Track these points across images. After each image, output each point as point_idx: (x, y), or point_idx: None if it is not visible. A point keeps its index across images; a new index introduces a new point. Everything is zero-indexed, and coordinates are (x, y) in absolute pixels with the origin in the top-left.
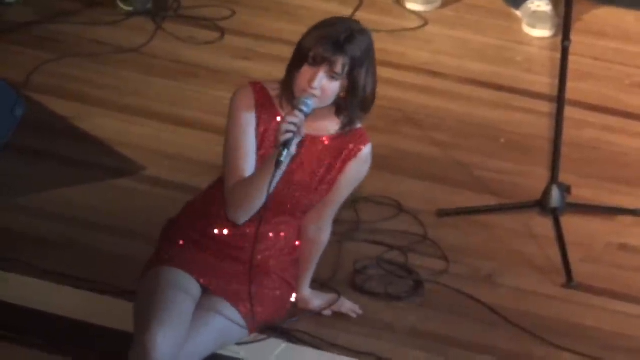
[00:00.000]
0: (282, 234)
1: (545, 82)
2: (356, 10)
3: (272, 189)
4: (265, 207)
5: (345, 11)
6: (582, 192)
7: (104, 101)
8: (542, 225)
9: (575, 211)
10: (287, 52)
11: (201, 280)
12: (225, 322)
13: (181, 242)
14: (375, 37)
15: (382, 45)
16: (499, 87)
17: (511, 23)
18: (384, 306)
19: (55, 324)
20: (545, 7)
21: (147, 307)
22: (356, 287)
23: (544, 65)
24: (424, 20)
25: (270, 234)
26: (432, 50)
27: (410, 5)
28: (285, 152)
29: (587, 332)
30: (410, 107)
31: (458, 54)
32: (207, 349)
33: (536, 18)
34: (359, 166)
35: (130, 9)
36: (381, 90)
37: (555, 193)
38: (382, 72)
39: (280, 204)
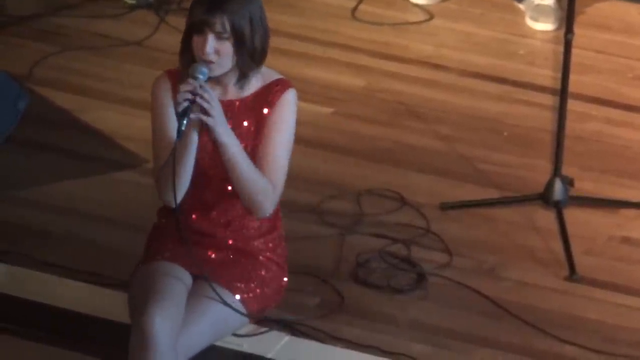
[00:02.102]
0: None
1: (548, 75)
2: (359, 3)
3: (185, 159)
4: (192, 182)
5: (348, 4)
6: (585, 185)
7: (107, 94)
8: (545, 218)
9: (578, 204)
10: (289, 44)
11: (192, 270)
12: (222, 308)
13: (166, 240)
14: (378, 30)
15: (385, 38)
16: (502, 80)
17: (514, 16)
18: (387, 299)
19: (56, 316)
20: (549, 1)
21: (142, 293)
22: (359, 280)
23: (547, 58)
24: (429, 14)
25: (235, 214)
26: (435, 43)
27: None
28: (185, 121)
29: (589, 325)
30: (413, 100)
31: (461, 47)
32: (205, 339)
33: (539, 11)
34: (281, 111)
35: (133, 2)
36: (384, 84)
37: (558, 186)
38: (386, 65)
39: (221, 180)
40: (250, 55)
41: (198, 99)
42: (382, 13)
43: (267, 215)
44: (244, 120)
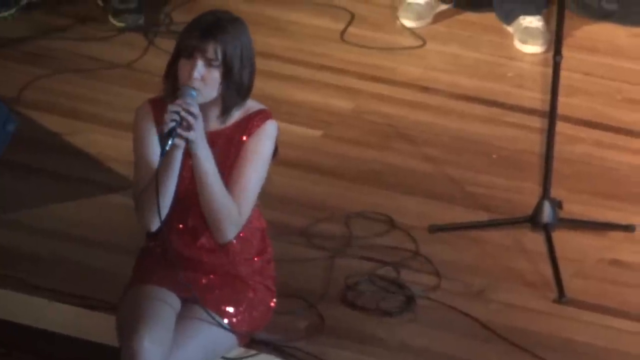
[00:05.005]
0: (234, 240)
1: (537, 98)
2: (348, 25)
3: (167, 180)
4: (178, 207)
5: (337, 26)
6: (574, 208)
7: (96, 116)
8: (534, 240)
9: (567, 227)
10: (278, 67)
11: (180, 294)
12: (211, 331)
13: (154, 263)
14: (367, 52)
15: (374, 60)
16: (491, 103)
17: (503, 39)
18: (376, 322)
19: (45, 339)
20: (537, 23)
21: (130, 316)
22: (348, 302)
23: (535, 80)
24: (418, 38)
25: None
26: (424, 65)
27: (403, 21)
28: (170, 141)
29: (578, 348)
30: (402, 122)
31: (450, 69)
32: None
33: (528, 34)
34: (258, 140)
35: (122, 24)
36: (373, 106)
37: (546, 208)
38: (374, 87)
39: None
40: (236, 88)
41: (183, 113)
42: (370, 36)
43: (228, 240)
44: (223, 152)
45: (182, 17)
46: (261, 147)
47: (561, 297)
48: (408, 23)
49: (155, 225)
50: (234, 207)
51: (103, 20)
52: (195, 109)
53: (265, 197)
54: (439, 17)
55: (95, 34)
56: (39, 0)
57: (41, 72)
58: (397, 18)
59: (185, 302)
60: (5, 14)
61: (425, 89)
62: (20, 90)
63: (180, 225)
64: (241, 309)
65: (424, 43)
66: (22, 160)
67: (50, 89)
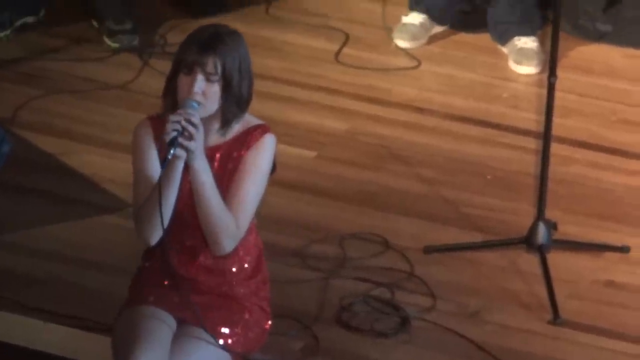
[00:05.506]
0: (231, 260)
1: (531, 119)
2: (343, 46)
3: (168, 192)
4: (175, 226)
5: (332, 47)
6: (569, 229)
7: (91, 137)
8: (529, 261)
9: (562, 248)
10: (273, 87)
11: (176, 314)
12: (207, 351)
13: (150, 284)
14: (362, 73)
15: (369, 81)
16: (486, 124)
17: (498, 60)
18: (371, 343)
19: None
20: (532, 44)
21: (126, 336)
22: (342, 323)
23: (530, 101)
24: (413, 59)
25: (219, 258)
26: (419, 86)
27: (398, 42)
28: (171, 151)
29: None
30: (396, 143)
31: (445, 90)
32: None
33: (522, 54)
34: (256, 154)
35: (116, 45)
36: (368, 127)
37: (541, 230)
38: (369, 108)
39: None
40: (236, 101)
41: (183, 122)
42: (365, 56)
43: (225, 253)
44: (222, 166)
45: (176, 38)
46: (260, 160)
47: (556, 318)
48: (403, 44)
49: (155, 238)
50: (232, 220)
51: (98, 41)
52: (196, 119)
53: (260, 217)
54: (433, 38)
55: (90, 55)
56: (34, 21)
57: (36, 93)
58: (391, 39)
59: (181, 322)
60: (0, 34)
61: (420, 110)
62: (15, 110)
63: (178, 244)
64: (237, 330)
65: (419, 64)
66: (16, 181)
67: (45, 110)
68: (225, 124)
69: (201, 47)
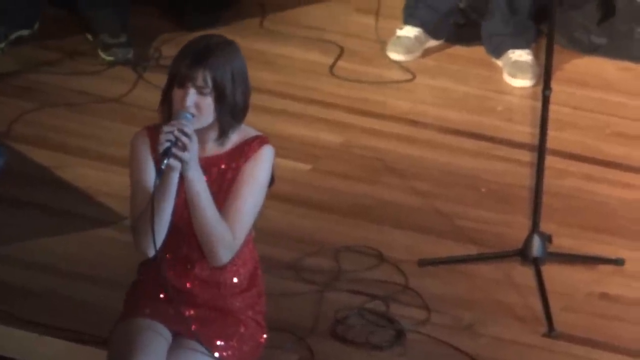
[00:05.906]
0: (226, 273)
1: (526, 132)
2: (337, 59)
3: (163, 203)
4: (170, 238)
5: (326, 60)
6: (563, 241)
7: (85, 151)
8: (523, 274)
9: (557, 260)
10: (268, 101)
11: (172, 327)
12: None
13: (145, 297)
14: (356, 86)
15: (363, 94)
16: (480, 137)
17: (492, 72)
18: (366, 356)
19: None
20: (526, 57)
21: (122, 349)
22: (337, 336)
23: (524, 114)
24: (408, 72)
25: (214, 270)
26: (413, 99)
27: (392, 55)
28: (165, 161)
29: None
30: (391, 156)
31: (439, 103)
32: None
33: (517, 67)
34: (254, 165)
35: (111, 58)
36: (362, 140)
37: (536, 242)
38: (364, 121)
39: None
40: (231, 111)
41: (176, 133)
42: (359, 70)
43: (222, 264)
44: (220, 176)
45: (171, 51)
46: (257, 171)
47: (551, 331)
48: (397, 57)
49: (152, 250)
50: (228, 231)
51: (92, 54)
52: (190, 129)
53: (254, 230)
54: (428, 51)
55: (84, 68)
56: (29, 35)
57: (31, 106)
58: (386, 52)
59: (177, 335)
60: None
61: (414, 123)
62: (9, 124)
63: (174, 255)
64: (232, 343)
65: (414, 77)
66: (11, 194)
67: (40, 123)
68: (222, 134)
69: (191, 60)
